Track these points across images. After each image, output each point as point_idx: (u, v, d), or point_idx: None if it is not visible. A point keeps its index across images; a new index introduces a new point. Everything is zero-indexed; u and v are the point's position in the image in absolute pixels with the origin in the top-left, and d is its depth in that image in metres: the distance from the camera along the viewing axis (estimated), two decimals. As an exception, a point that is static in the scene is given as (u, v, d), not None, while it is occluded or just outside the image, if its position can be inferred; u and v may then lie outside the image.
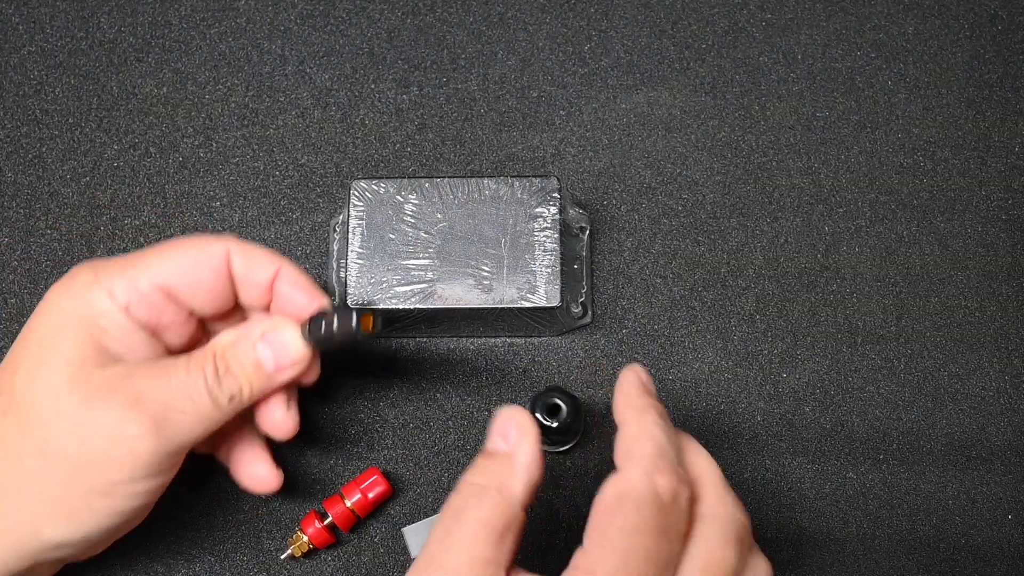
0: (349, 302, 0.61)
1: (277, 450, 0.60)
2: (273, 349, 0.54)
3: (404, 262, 0.62)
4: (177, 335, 0.56)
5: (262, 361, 0.54)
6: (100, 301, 0.53)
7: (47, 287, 0.66)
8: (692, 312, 0.67)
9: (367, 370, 0.66)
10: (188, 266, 0.55)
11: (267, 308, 0.57)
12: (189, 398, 0.52)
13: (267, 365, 0.54)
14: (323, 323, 0.54)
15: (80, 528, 0.52)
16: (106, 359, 0.52)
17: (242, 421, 0.57)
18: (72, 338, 0.52)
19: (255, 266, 0.56)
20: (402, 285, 0.61)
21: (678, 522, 0.47)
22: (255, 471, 0.58)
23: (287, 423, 0.57)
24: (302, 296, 0.56)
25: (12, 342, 0.66)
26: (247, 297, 0.57)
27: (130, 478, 0.51)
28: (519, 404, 0.65)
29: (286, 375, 0.55)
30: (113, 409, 0.51)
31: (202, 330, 0.58)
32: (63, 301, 0.53)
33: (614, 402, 0.50)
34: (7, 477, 0.51)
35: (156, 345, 0.55)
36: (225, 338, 0.55)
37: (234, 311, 0.58)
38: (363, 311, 0.54)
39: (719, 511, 0.49)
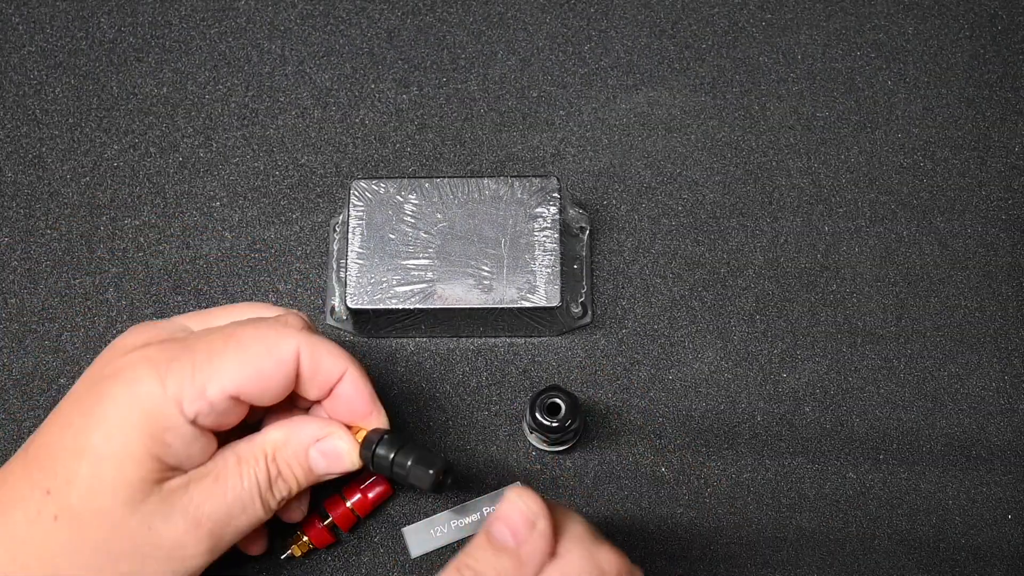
0: (349, 303, 0.61)
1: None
2: (326, 459, 0.54)
3: (404, 262, 0.62)
4: (230, 424, 0.54)
5: (313, 467, 0.54)
6: (168, 418, 0.51)
7: (47, 287, 0.67)
8: (692, 312, 0.67)
9: (367, 370, 0.66)
10: (258, 371, 0.52)
11: (318, 400, 0.56)
12: (244, 510, 0.53)
13: (317, 470, 0.55)
14: (392, 458, 0.54)
15: None
16: (165, 471, 0.51)
17: None
18: (134, 460, 0.50)
19: (322, 369, 0.54)
20: (402, 285, 0.61)
21: None
22: (251, 536, 0.58)
23: (296, 512, 0.59)
24: (362, 406, 0.55)
25: (11, 342, 0.66)
26: (306, 392, 0.55)
27: None
28: (518, 404, 0.65)
29: (331, 478, 0.55)
30: (173, 530, 0.51)
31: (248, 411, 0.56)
32: (129, 415, 0.50)
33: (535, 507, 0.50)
34: None
35: (209, 440, 0.53)
36: (276, 436, 0.54)
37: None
38: (442, 465, 0.54)
39: None
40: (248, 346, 0.52)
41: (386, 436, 0.55)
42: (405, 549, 0.62)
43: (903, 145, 0.69)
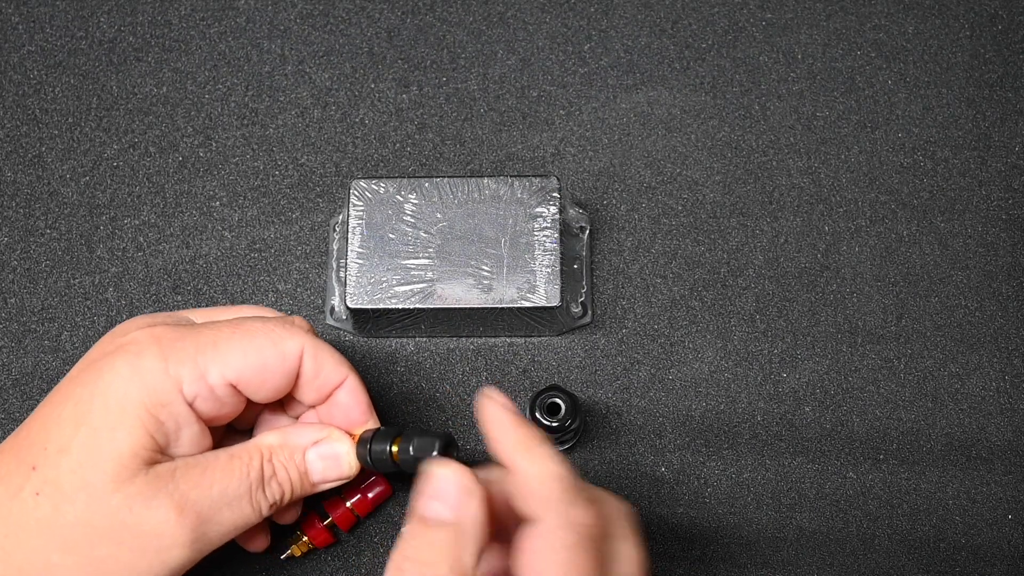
0: (349, 302, 0.61)
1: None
2: (324, 462, 0.54)
3: (404, 262, 0.62)
4: (225, 418, 0.54)
5: (310, 471, 0.54)
6: (166, 393, 0.50)
7: (47, 287, 0.67)
8: (692, 312, 0.67)
9: (367, 370, 0.66)
10: (261, 363, 0.52)
11: (313, 404, 0.56)
12: (230, 505, 0.51)
13: (314, 475, 0.54)
14: (390, 447, 0.52)
15: None
16: (154, 453, 0.50)
17: None
18: (129, 432, 0.50)
19: (324, 372, 0.54)
20: (402, 285, 0.61)
21: (604, 541, 0.47)
22: (251, 533, 0.58)
23: (290, 514, 0.58)
24: (358, 415, 0.55)
25: (11, 342, 0.66)
26: (303, 395, 0.55)
27: None
28: (519, 404, 0.65)
29: (327, 487, 0.54)
30: (154, 514, 0.49)
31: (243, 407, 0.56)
32: (129, 387, 0.50)
33: (491, 442, 0.48)
34: (26, 563, 0.49)
35: (203, 430, 0.52)
36: (271, 438, 0.53)
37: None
38: (445, 435, 0.51)
39: (617, 512, 0.49)
40: (255, 337, 0.52)
41: (379, 430, 0.54)
42: (405, 549, 0.62)
43: (903, 145, 0.69)
